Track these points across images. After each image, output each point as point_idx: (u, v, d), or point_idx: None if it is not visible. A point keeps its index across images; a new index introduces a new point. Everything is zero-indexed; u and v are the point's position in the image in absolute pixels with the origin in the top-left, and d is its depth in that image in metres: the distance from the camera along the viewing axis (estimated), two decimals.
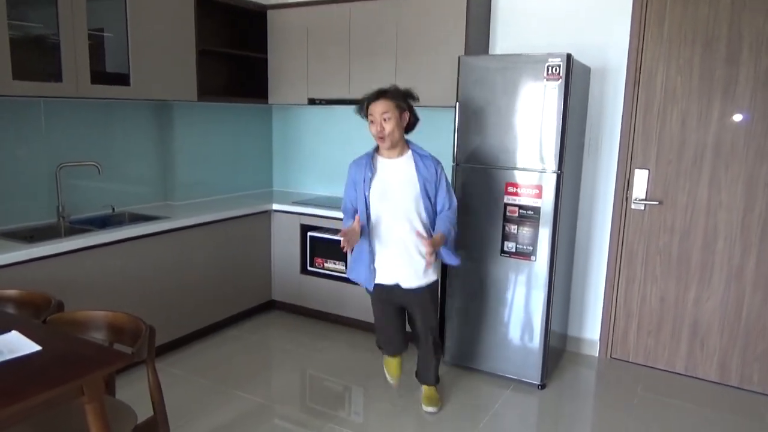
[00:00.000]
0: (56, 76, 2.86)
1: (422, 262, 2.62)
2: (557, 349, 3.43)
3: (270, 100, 4.25)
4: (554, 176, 2.93)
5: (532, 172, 2.98)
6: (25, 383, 1.48)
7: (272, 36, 4.13)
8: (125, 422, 1.87)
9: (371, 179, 2.59)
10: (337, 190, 3.14)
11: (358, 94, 2.83)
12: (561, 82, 2.83)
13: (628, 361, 3.53)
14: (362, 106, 2.60)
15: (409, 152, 2.63)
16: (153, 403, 1.94)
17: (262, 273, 4.09)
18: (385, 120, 2.49)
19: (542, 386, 3.15)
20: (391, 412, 2.91)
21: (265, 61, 4.18)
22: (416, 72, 3.54)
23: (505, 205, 3.06)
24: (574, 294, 3.64)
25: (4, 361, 1.58)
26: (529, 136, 2.96)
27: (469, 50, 3.38)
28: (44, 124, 3.18)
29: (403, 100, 2.54)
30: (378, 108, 2.50)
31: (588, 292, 3.60)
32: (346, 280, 3.22)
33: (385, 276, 2.69)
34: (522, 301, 3.11)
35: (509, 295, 3.13)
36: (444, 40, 3.42)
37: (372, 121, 2.53)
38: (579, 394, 3.21)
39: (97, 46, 3.11)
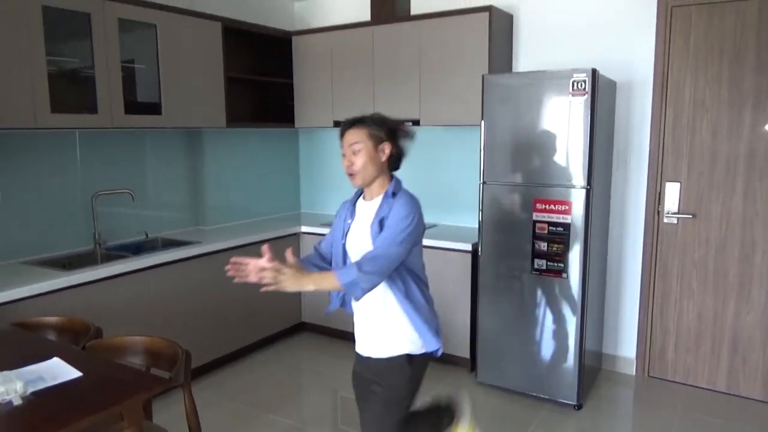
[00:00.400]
0: (91, 108, 2.96)
1: (381, 329, 2.03)
2: (593, 368, 3.36)
3: (296, 124, 4.31)
4: (583, 192, 2.90)
5: (560, 188, 2.95)
6: (67, 409, 1.51)
7: (297, 61, 4.21)
8: None
9: (350, 225, 2.08)
10: None
11: None
12: (587, 97, 2.82)
13: (667, 380, 3.44)
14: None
15: (382, 194, 2.00)
16: (189, 428, 1.96)
17: (292, 296, 4.11)
18: (354, 153, 1.97)
19: (578, 406, 3.08)
20: None
21: (291, 85, 4.26)
22: (440, 92, 3.56)
23: (534, 222, 3.03)
24: (608, 311, 3.57)
25: (46, 387, 1.62)
26: (557, 152, 2.95)
27: (492, 68, 3.39)
28: (79, 154, 3.28)
29: (382, 129, 2.00)
30: (347, 138, 2.00)
31: (623, 309, 3.53)
32: None
33: (358, 343, 2.15)
34: (554, 319, 3.06)
35: (541, 313, 3.09)
36: (467, 59, 3.44)
37: (343, 154, 2.01)
38: (617, 414, 3.13)
39: (129, 78, 3.21)
